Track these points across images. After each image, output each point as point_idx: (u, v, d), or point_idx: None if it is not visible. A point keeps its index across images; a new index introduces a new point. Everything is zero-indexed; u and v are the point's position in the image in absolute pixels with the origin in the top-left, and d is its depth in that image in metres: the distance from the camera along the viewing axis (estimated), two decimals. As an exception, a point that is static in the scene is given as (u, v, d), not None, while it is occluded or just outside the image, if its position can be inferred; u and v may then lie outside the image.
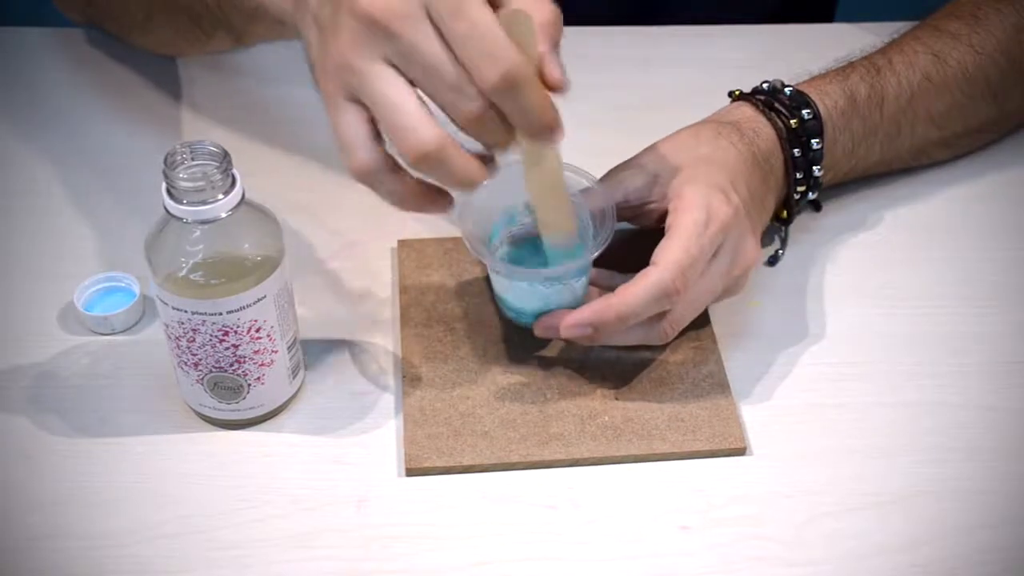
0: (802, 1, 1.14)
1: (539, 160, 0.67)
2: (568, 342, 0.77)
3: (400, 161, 0.65)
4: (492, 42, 0.60)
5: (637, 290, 0.70)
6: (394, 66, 0.62)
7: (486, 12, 0.60)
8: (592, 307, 0.71)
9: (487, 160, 0.65)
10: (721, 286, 0.74)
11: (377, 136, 0.64)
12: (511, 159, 0.66)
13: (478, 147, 0.65)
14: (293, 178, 0.90)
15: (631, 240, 0.78)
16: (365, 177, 0.65)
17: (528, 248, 0.77)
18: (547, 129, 0.63)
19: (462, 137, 0.64)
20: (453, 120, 0.63)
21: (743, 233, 0.74)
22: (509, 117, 0.62)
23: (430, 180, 0.66)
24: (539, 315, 0.74)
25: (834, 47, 0.91)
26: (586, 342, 0.74)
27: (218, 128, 0.94)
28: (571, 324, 0.72)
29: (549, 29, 0.64)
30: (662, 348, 0.78)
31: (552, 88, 0.63)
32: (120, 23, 0.97)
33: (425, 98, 0.63)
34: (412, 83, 0.62)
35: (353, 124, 0.63)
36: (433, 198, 0.66)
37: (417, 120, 0.61)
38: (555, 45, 0.64)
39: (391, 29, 0.60)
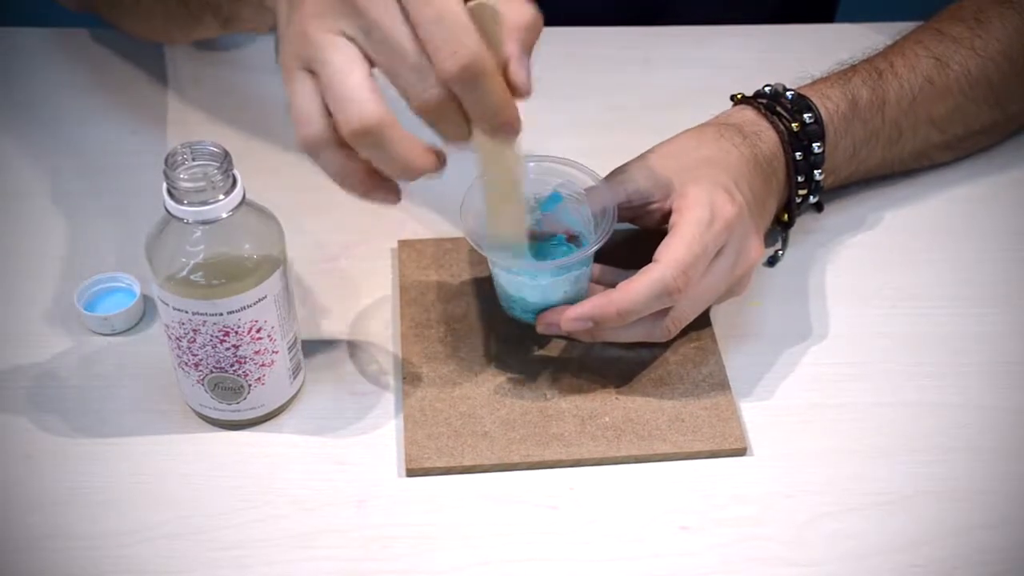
0: (803, 1, 1.14)
1: (495, 158, 0.66)
2: (569, 338, 0.77)
3: None
4: (457, 30, 0.58)
5: (638, 286, 0.70)
6: (354, 42, 0.61)
7: (454, 0, 0.59)
8: (593, 302, 0.71)
9: (435, 152, 0.63)
10: (724, 285, 0.74)
11: (330, 112, 0.62)
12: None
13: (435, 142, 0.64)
14: (293, 178, 0.89)
15: (634, 240, 0.79)
16: (312, 149, 0.63)
17: (529, 243, 0.77)
18: (504, 125, 0.62)
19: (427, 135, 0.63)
20: (410, 105, 0.61)
21: (747, 232, 0.74)
22: (467, 109, 0.61)
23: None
24: (540, 310, 0.74)
25: (835, 48, 0.91)
26: (587, 337, 0.74)
27: (219, 128, 0.94)
28: (571, 318, 0.72)
29: (524, 31, 0.62)
30: (662, 348, 0.78)
31: (516, 91, 0.62)
32: (112, 8, 0.96)
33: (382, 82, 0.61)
34: (372, 63, 0.61)
35: (305, 94, 0.62)
36: (378, 183, 0.64)
37: (361, 93, 0.60)
38: (527, 48, 0.63)
39: (357, 4, 0.60)
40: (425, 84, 0.60)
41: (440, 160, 0.63)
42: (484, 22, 0.60)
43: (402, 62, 0.60)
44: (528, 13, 0.63)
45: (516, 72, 0.62)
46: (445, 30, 0.58)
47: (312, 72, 0.62)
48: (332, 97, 0.61)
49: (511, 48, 0.62)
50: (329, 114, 0.62)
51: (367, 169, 0.64)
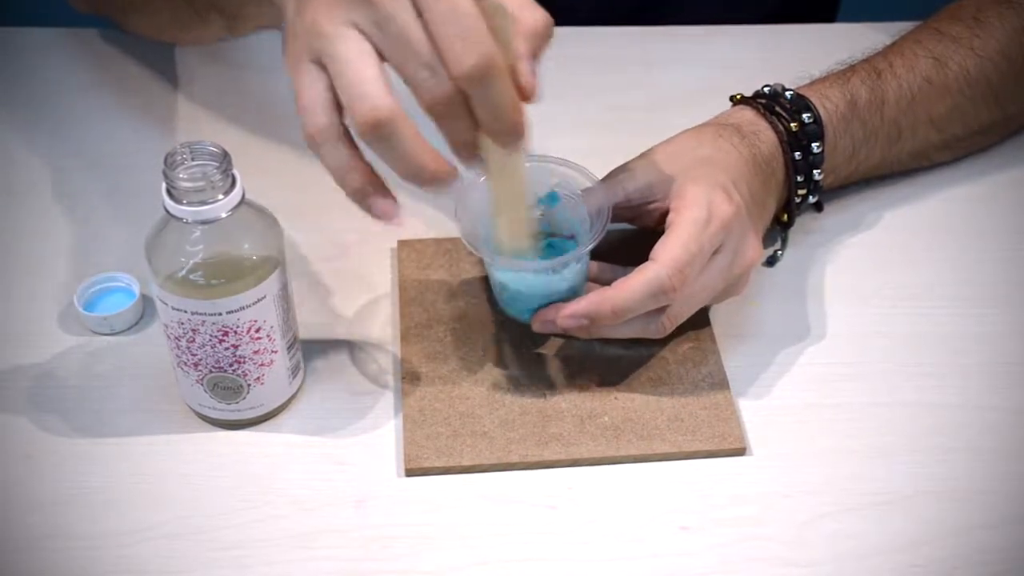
0: (803, 1, 1.13)
1: (502, 166, 0.66)
2: (567, 336, 0.77)
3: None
4: (469, 27, 0.58)
5: (633, 285, 0.70)
6: (365, 35, 0.60)
7: None
8: (588, 299, 0.72)
9: (445, 161, 0.62)
10: (721, 284, 0.74)
11: (338, 106, 0.62)
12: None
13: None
14: (293, 178, 0.90)
15: (634, 238, 0.79)
16: (315, 141, 0.62)
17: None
18: (512, 130, 0.61)
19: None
20: (419, 100, 0.61)
21: (745, 232, 0.74)
22: (475, 109, 0.60)
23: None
24: (536, 309, 0.74)
25: (835, 47, 0.91)
26: (583, 334, 0.74)
27: (219, 127, 0.94)
28: (567, 315, 0.72)
29: (535, 36, 0.62)
30: (662, 348, 0.78)
31: (524, 92, 0.62)
32: (120, 8, 0.97)
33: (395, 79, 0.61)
34: (382, 56, 0.60)
35: (313, 86, 0.61)
36: (378, 186, 0.63)
37: (374, 86, 0.59)
38: (536, 53, 0.62)
39: None
40: (436, 80, 0.59)
41: (453, 173, 0.62)
42: (496, 23, 0.60)
43: (414, 57, 0.59)
44: (540, 18, 0.62)
45: (524, 74, 0.62)
46: (457, 26, 0.58)
47: (321, 65, 0.61)
48: (344, 89, 0.60)
49: (521, 51, 0.61)
50: (336, 108, 0.61)
51: (368, 170, 0.63)
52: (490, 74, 0.59)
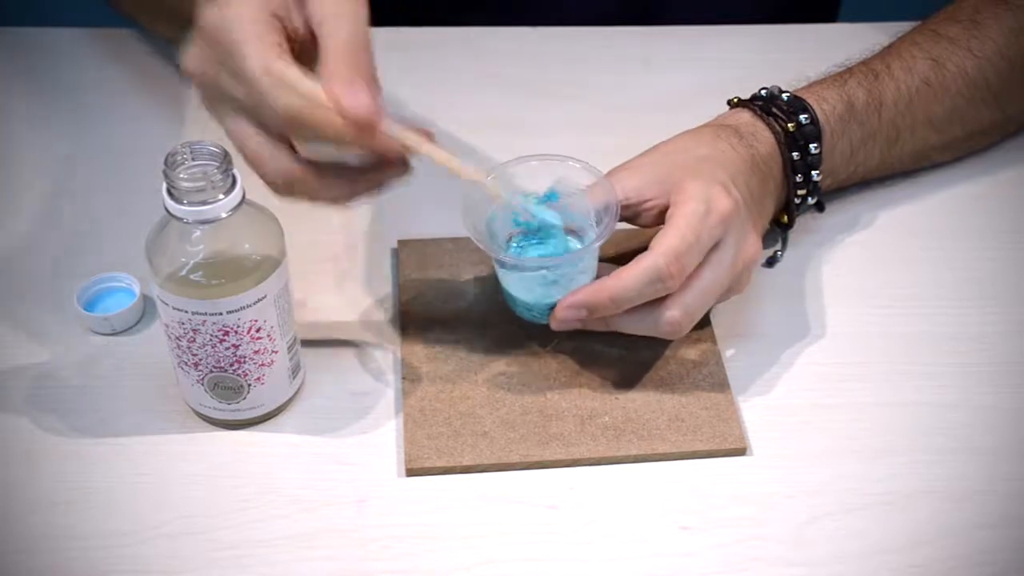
0: (803, 1, 1.14)
1: (433, 158, 0.68)
2: (580, 332, 0.76)
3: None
4: (265, 90, 0.63)
5: (631, 273, 0.71)
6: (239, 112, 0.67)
7: (256, 65, 0.63)
8: (586, 289, 0.72)
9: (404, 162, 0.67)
10: (727, 279, 0.74)
11: (279, 138, 0.67)
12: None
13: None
14: (293, 178, 0.90)
15: (639, 239, 0.78)
16: (279, 189, 0.68)
17: (532, 242, 0.77)
18: (355, 140, 0.64)
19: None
20: None
21: (744, 228, 0.74)
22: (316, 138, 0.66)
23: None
24: (543, 307, 0.74)
25: (836, 47, 0.91)
26: (599, 327, 0.74)
27: (220, 128, 0.93)
28: (566, 306, 0.72)
29: (346, 52, 0.64)
30: (663, 348, 0.78)
31: (345, 112, 0.64)
32: (136, 8, 0.97)
33: None
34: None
35: (245, 136, 0.67)
36: (357, 186, 0.68)
37: (260, 157, 0.66)
38: (356, 65, 0.64)
39: (202, 82, 0.67)
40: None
41: (405, 168, 0.67)
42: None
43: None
44: (343, 31, 0.65)
45: (340, 99, 0.64)
46: (259, 92, 0.64)
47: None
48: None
49: (331, 74, 0.64)
50: (277, 144, 0.67)
51: (343, 181, 0.67)
52: (299, 122, 0.64)
